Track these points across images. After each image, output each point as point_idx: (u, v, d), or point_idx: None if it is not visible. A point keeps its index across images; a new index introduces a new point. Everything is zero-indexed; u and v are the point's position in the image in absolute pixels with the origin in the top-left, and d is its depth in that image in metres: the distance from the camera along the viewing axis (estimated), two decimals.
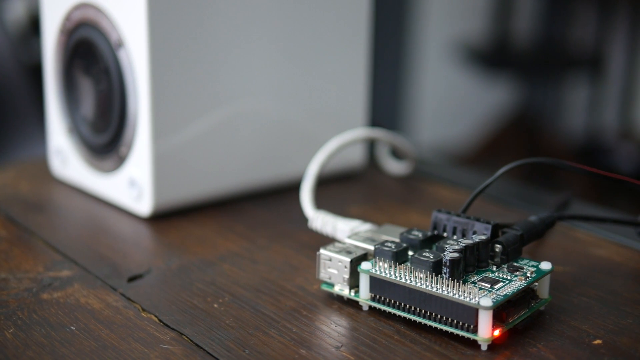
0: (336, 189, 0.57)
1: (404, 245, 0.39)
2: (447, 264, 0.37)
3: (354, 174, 0.60)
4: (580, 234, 0.49)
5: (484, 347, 0.36)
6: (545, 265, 0.39)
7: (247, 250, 0.47)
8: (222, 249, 0.47)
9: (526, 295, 0.38)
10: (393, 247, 0.39)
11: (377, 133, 0.55)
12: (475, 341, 0.36)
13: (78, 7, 0.52)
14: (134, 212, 0.51)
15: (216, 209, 0.53)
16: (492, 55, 1.99)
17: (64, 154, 0.57)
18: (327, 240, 0.47)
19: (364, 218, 0.49)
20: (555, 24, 2.02)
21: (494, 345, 0.36)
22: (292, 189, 0.56)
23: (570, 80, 2.00)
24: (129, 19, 0.49)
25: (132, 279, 0.43)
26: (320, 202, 0.50)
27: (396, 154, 0.61)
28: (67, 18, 0.54)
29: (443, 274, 0.37)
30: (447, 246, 0.38)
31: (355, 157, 0.59)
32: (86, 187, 0.55)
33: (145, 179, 0.50)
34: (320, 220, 0.46)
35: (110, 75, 0.51)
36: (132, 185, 0.51)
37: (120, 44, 0.50)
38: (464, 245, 0.38)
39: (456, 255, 0.37)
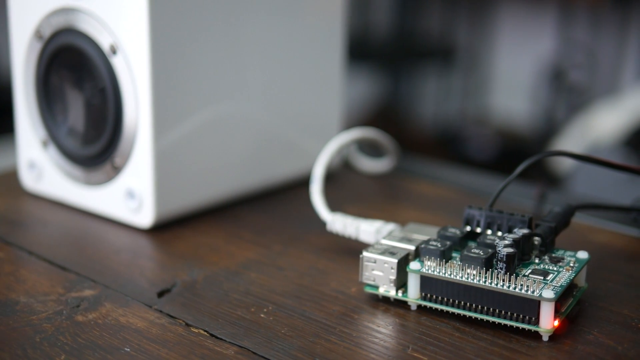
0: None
1: (449, 243, 0.40)
2: (504, 259, 0.37)
3: (332, 174, 0.60)
4: (573, 223, 0.51)
5: (545, 338, 0.37)
6: (582, 255, 0.41)
7: (267, 257, 0.46)
8: (240, 257, 0.46)
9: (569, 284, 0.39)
10: (439, 245, 0.39)
11: (371, 133, 0.55)
12: (535, 333, 0.37)
13: (57, 12, 0.50)
14: (132, 224, 0.49)
15: (214, 216, 0.51)
16: (353, 48, 2.03)
17: (38, 167, 0.54)
18: (342, 242, 0.47)
19: (367, 218, 0.49)
20: (410, 16, 2.11)
21: (554, 335, 0.37)
22: (283, 190, 0.56)
23: (428, 70, 2.10)
24: (126, 24, 0.47)
25: (161, 293, 0.41)
26: None
27: (379, 152, 0.61)
28: (43, 24, 0.51)
29: (498, 269, 0.37)
30: (496, 242, 0.39)
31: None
32: (68, 201, 0.53)
33: (146, 189, 0.48)
34: (340, 222, 0.46)
35: (103, 84, 0.48)
36: (130, 197, 0.49)
37: (114, 51, 0.47)
38: (512, 240, 0.39)
39: (512, 250, 0.38)
